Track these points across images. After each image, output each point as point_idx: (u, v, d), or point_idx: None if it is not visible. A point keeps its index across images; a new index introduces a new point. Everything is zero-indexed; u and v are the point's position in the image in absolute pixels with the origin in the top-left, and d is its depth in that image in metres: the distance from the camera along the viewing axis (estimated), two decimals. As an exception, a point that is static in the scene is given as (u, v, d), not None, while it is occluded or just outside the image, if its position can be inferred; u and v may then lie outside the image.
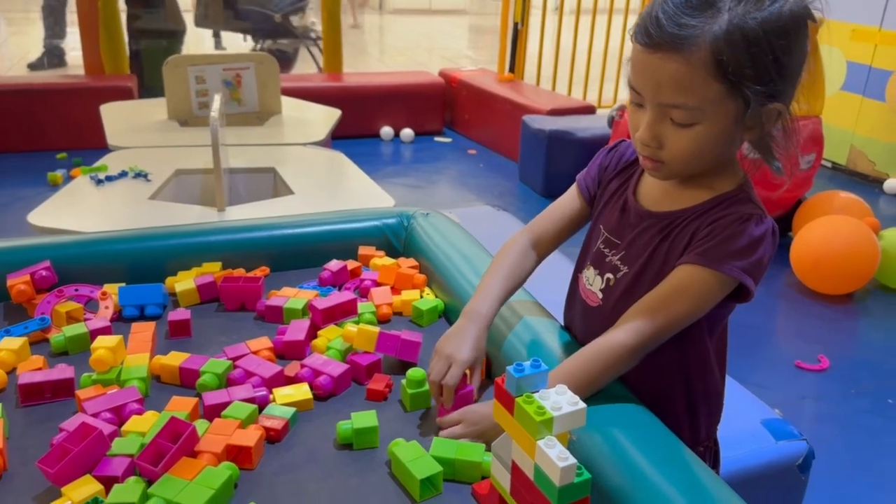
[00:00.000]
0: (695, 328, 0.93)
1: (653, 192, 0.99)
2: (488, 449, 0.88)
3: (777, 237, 0.91)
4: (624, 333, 0.90)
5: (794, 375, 2.42)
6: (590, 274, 1.05)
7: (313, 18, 5.86)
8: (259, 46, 5.59)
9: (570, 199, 1.11)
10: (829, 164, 4.60)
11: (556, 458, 0.69)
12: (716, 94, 0.82)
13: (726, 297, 0.90)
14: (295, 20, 5.59)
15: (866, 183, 4.36)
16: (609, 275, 1.01)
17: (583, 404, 0.73)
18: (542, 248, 1.11)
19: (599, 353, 0.91)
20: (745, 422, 1.49)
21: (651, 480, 0.81)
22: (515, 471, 0.77)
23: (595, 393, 0.92)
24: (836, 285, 2.91)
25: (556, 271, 1.27)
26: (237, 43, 6.42)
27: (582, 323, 1.08)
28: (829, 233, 2.89)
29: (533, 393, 0.74)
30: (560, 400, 0.73)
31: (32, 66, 6.08)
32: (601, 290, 1.02)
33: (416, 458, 0.90)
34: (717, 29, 0.79)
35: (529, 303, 1.20)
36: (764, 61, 0.81)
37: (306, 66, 5.94)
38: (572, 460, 0.69)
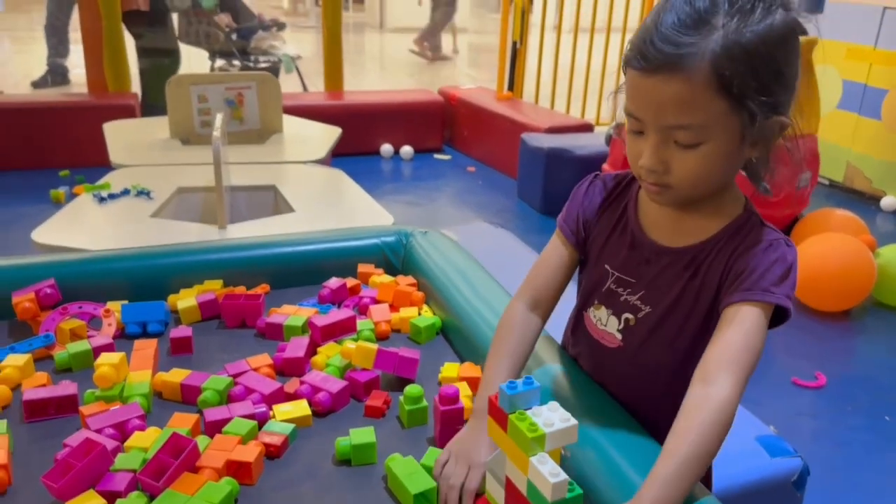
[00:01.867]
0: None
1: (661, 224, 0.96)
2: None
3: None
4: (725, 389, 0.81)
5: (789, 392, 2.43)
6: (601, 314, 1.01)
7: (274, 42, 5.83)
8: (213, 66, 5.60)
9: (557, 250, 1.05)
10: (826, 182, 4.63)
11: (548, 474, 0.70)
12: (720, 110, 0.81)
13: None
14: (252, 42, 5.59)
15: (863, 200, 4.38)
16: (628, 315, 0.97)
17: (574, 420, 0.74)
18: (543, 309, 1.04)
19: (712, 418, 0.80)
20: (740, 438, 1.50)
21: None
22: (509, 486, 0.79)
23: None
24: (832, 303, 2.92)
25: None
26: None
27: (598, 364, 1.04)
28: (825, 250, 2.90)
29: (525, 410, 0.75)
30: (552, 417, 0.74)
31: (36, 85, 6.14)
32: (619, 330, 0.98)
33: (411, 472, 0.92)
34: (714, 44, 0.79)
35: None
36: (765, 73, 0.80)
37: (291, 87, 5.92)
38: (564, 476, 0.71)
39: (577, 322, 1.06)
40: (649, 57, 0.81)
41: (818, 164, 3.36)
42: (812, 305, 2.96)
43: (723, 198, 0.92)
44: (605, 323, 1.00)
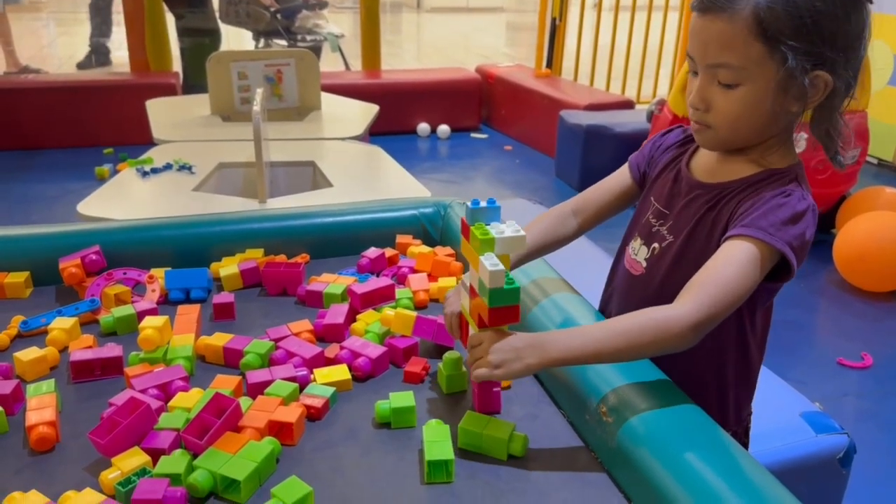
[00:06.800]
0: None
1: (706, 164, 1.01)
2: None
3: (817, 217, 0.92)
4: (682, 308, 0.85)
5: (835, 373, 2.38)
6: (636, 245, 1.07)
7: (317, 21, 5.83)
8: (257, 45, 5.62)
9: (618, 176, 1.14)
10: (875, 161, 4.50)
11: (489, 265, 0.81)
12: (757, 53, 0.85)
13: (768, 275, 0.89)
14: (297, 21, 5.59)
15: (913, 180, 4.25)
16: (655, 244, 1.03)
17: (523, 231, 0.84)
18: (584, 218, 1.13)
19: (655, 321, 0.85)
20: (785, 414, 1.48)
21: (693, 467, 0.80)
22: (472, 292, 0.88)
23: (634, 359, 0.91)
24: (879, 282, 2.85)
25: (585, 254, 1.29)
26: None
27: (622, 294, 1.10)
28: (873, 229, 2.83)
29: (486, 224, 0.87)
30: (505, 228, 0.84)
31: (81, 66, 6.26)
32: (646, 258, 1.04)
33: (436, 441, 0.91)
34: None
35: (557, 281, 1.21)
36: (803, 21, 0.83)
37: (334, 66, 5.95)
38: (501, 267, 0.81)
39: (617, 259, 1.12)
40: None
41: (867, 141, 3.26)
42: (859, 285, 2.89)
43: (771, 151, 0.94)
44: (637, 252, 1.07)
